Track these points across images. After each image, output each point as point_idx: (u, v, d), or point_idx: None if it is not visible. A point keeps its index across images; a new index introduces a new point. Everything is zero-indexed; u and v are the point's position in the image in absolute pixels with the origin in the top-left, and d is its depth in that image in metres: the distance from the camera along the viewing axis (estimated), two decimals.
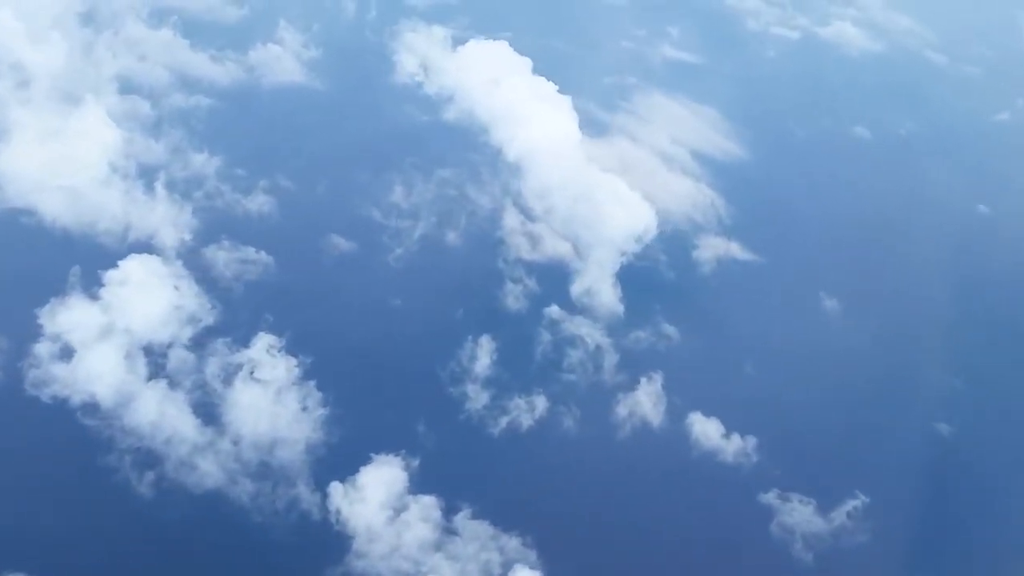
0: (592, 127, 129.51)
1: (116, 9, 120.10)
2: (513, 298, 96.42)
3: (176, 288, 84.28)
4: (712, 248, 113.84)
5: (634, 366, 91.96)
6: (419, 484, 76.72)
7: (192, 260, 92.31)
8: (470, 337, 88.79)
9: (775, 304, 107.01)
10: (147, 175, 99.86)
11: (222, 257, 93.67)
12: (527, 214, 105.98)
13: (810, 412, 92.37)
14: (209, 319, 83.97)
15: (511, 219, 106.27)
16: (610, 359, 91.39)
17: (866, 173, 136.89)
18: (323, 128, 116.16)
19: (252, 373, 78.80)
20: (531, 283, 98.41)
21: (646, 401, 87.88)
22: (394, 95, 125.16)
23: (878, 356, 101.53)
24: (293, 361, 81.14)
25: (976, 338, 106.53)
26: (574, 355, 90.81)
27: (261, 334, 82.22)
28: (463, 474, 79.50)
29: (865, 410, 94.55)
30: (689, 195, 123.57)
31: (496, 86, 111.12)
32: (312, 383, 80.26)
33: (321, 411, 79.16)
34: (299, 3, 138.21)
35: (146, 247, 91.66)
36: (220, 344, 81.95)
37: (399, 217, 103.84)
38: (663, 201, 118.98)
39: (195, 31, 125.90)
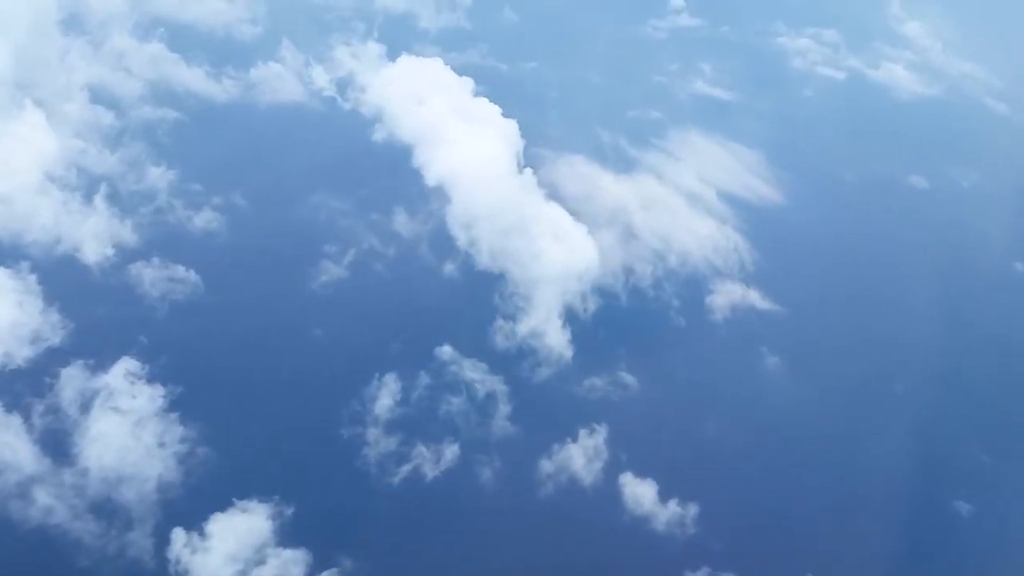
0: (619, 163, 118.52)
1: (102, 20, 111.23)
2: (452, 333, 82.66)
3: (20, 305, 73.46)
4: (727, 294, 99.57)
5: (579, 416, 78.25)
6: (289, 535, 64.68)
7: (115, 276, 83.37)
8: (377, 375, 75.50)
9: (773, 359, 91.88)
10: (92, 186, 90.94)
11: (149, 275, 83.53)
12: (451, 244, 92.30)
13: (776, 484, 77.92)
14: (55, 339, 73.45)
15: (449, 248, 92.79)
16: (503, 408, 77.27)
17: (918, 226, 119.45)
18: (299, 147, 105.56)
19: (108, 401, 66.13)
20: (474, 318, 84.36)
21: (579, 456, 73.81)
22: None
23: (883, 427, 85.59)
24: (160, 390, 69.52)
25: (1008, 410, 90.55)
26: (455, 402, 76.65)
27: (124, 359, 70.87)
28: (346, 526, 67.27)
29: (856, 488, 79.48)
30: (711, 237, 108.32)
31: (423, 107, 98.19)
32: (175, 415, 67.16)
33: (179, 447, 67.43)
34: (310, 24, 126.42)
35: (72, 260, 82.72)
36: (80, 367, 70.86)
37: (337, 242, 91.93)
38: (681, 242, 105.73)
39: (194, 46, 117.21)
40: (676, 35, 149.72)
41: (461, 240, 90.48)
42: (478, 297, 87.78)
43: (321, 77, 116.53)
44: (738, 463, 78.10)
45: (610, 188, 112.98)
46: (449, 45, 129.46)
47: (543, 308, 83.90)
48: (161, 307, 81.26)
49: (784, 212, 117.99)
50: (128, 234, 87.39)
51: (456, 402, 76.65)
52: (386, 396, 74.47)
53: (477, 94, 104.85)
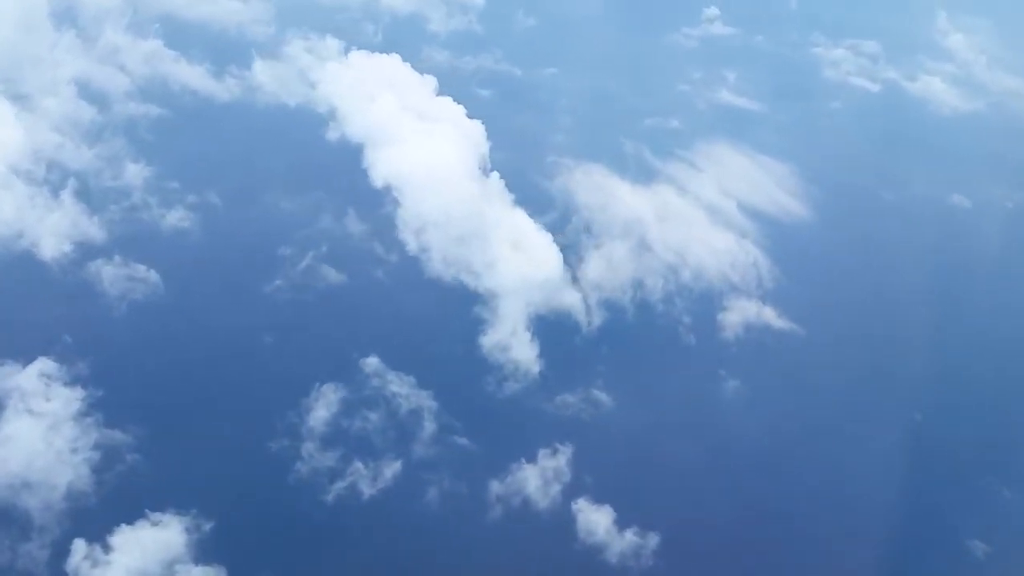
0: (639, 173, 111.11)
1: (96, 15, 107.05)
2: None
3: None
4: (741, 311, 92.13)
5: (543, 434, 71.02)
6: (206, 551, 58.82)
7: (73, 273, 78.83)
8: (317, 385, 69.32)
9: (779, 381, 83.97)
10: (63, 182, 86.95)
11: (108, 273, 78.75)
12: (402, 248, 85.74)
13: (759, 518, 69.46)
14: None
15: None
16: (430, 426, 69.80)
17: (959, 247, 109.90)
18: (283, 147, 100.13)
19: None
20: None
21: (534, 478, 66.69)
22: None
23: (896, 457, 76.67)
24: (80, 393, 64.25)
25: None
26: (372, 417, 69.26)
27: (40, 359, 65.98)
28: (270, 544, 60.81)
29: (856, 523, 70.71)
30: (729, 252, 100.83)
31: (379, 106, 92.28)
32: (91, 420, 61.24)
33: (93, 454, 61.67)
34: (318, 26, 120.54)
35: (28, 255, 78.75)
36: None
37: (295, 245, 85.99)
38: (697, 256, 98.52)
39: (196, 45, 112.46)
40: (707, 44, 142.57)
41: (411, 246, 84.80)
42: (437, 307, 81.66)
43: (308, 77, 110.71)
44: (714, 494, 70.32)
45: (627, 199, 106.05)
46: (461, 49, 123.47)
47: (508, 319, 77.26)
48: (119, 306, 76.55)
49: (810, 228, 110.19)
50: (95, 231, 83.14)
51: (394, 417, 70.04)
52: (322, 408, 68.35)
53: (488, 99, 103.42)
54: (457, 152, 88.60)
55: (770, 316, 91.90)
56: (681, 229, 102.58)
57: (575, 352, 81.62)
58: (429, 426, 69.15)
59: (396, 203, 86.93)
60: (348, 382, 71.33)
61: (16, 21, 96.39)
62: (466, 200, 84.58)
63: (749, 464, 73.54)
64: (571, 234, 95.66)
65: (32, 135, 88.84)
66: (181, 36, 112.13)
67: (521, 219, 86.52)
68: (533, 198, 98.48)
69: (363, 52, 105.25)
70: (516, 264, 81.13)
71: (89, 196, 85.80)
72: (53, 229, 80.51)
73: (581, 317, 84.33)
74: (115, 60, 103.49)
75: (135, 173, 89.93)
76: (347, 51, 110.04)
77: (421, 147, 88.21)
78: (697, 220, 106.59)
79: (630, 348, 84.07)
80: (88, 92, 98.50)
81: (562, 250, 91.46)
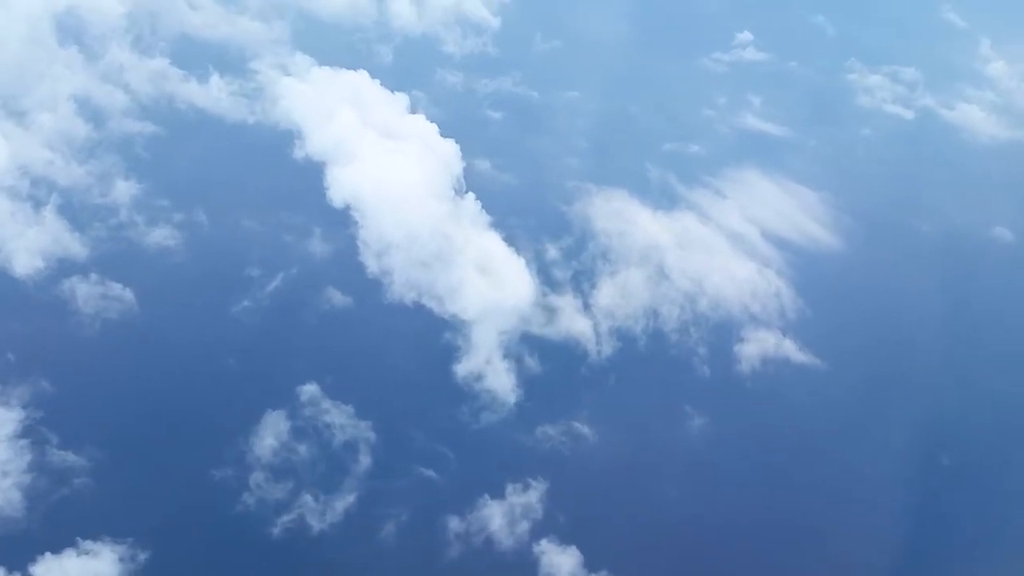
0: (661, 199, 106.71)
1: (102, 33, 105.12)
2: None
3: None
4: (759, 343, 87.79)
5: (515, 468, 66.69)
6: None
7: (45, 290, 75.79)
8: (268, 411, 65.83)
9: (787, 420, 79.35)
10: (47, 197, 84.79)
11: (83, 291, 76.26)
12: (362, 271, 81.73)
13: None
14: None
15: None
16: (364, 459, 65.48)
17: (1001, 283, 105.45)
18: (281, 166, 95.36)
19: None
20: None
21: (499, 515, 61.48)
22: None
23: (919, 503, 72.73)
24: (18, 414, 61.52)
25: None
26: (302, 449, 64.91)
27: None
28: None
29: None
30: (749, 281, 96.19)
31: (342, 125, 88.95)
32: (25, 442, 57.57)
33: (24, 477, 58.18)
34: (331, 45, 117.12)
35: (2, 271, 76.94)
36: None
37: (266, 267, 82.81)
38: (716, 285, 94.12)
39: (205, 63, 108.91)
40: (736, 68, 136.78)
41: (372, 269, 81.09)
42: (399, 333, 77.69)
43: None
44: (703, 540, 65.40)
45: (646, 225, 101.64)
46: (476, 71, 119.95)
47: (481, 347, 73.11)
48: (92, 325, 74.05)
49: (838, 259, 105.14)
50: (77, 248, 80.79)
51: (329, 448, 65.98)
52: (271, 436, 64.47)
53: (500, 121, 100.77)
54: (425, 171, 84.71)
55: (790, 349, 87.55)
56: (701, 257, 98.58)
57: (573, 382, 77.69)
58: (365, 460, 65.23)
59: (366, 225, 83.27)
60: (297, 410, 67.55)
61: (20, 38, 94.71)
62: (431, 221, 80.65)
63: (745, 508, 68.62)
64: (585, 260, 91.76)
65: (21, 150, 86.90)
66: (191, 55, 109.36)
67: (494, 243, 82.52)
68: (548, 223, 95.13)
69: (327, 68, 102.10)
70: (483, 289, 77.03)
71: (73, 213, 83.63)
72: (29, 245, 78.29)
73: (591, 345, 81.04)
74: (118, 78, 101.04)
75: (124, 190, 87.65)
76: (355, 70, 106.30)
77: (383, 166, 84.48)
78: (718, 248, 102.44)
79: (637, 379, 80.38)
80: (86, 109, 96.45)
81: (575, 276, 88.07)
